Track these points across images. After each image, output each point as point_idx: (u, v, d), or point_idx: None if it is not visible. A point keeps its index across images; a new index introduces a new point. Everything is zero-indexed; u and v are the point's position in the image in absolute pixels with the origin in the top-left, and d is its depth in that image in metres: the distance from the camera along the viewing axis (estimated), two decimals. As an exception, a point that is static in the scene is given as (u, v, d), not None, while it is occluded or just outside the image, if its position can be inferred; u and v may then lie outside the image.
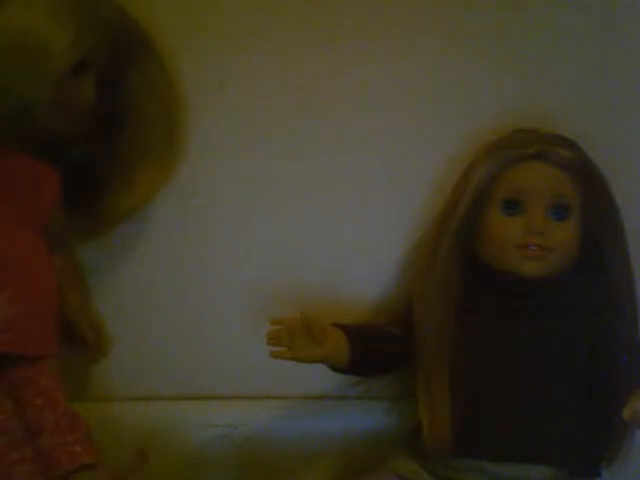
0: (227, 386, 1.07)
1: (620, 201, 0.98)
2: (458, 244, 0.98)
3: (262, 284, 1.06)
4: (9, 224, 0.91)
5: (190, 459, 1.05)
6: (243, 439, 1.06)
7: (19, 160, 0.92)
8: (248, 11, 1.04)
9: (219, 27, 1.04)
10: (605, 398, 0.92)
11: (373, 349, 0.98)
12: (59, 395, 0.88)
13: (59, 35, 0.88)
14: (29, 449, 0.86)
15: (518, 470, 0.92)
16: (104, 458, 0.87)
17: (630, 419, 0.81)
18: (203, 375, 1.07)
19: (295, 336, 0.91)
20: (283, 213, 1.07)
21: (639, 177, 1.06)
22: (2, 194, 0.92)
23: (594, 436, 0.94)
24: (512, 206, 0.96)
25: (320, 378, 1.03)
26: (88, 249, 1.03)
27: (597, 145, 0.99)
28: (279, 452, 1.06)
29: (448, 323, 0.96)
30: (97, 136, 0.97)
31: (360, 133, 1.06)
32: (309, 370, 0.95)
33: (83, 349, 1.01)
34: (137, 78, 0.98)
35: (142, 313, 1.06)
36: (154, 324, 1.06)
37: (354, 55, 1.05)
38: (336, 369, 0.97)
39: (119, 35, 0.95)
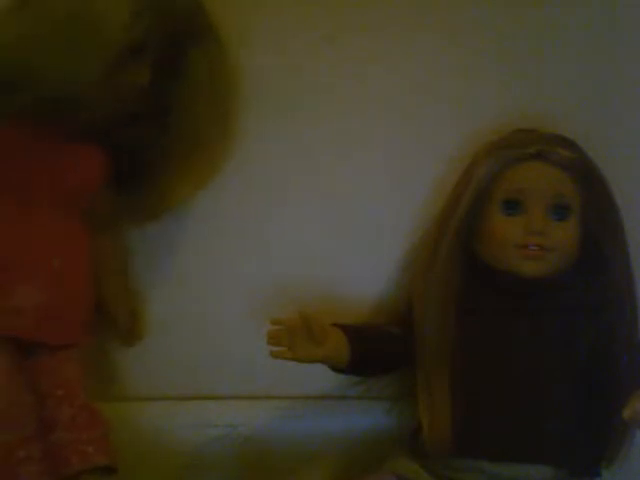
0: (227, 386, 1.07)
1: (620, 201, 0.98)
2: (458, 244, 0.98)
3: (262, 284, 1.06)
4: (43, 208, 0.90)
5: (190, 459, 1.05)
6: (243, 439, 1.06)
7: (59, 142, 0.91)
8: (248, 11, 1.04)
9: (219, 27, 1.04)
10: (605, 398, 0.92)
11: (373, 349, 0.98)
12: (80, 388, 0.88)
13: (120, 12, 0.85)
14: (38, 447, 0.85)
15: (518, 470, 0.92)
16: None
17: (630, 419, 0.81)
18: (203, 375, 1.07)
19: (295, 336, 0.91)
20: (283, 213, 1.07)
21: (639, 177, 1.06)
22: (36, 177, 0.91)
23: (594, 436, 0.94)
24: (512, 206, 0.96)
25: (320, 378, 1.03)
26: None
27: (597, 145, 0.99)
28: (279, 452, 1.06)
29: (448, 323, 0.96)
30: (155, 121, 0.95)
31: (360, 133, 1.06)
32: (309, 370, 0.95)
33: (117, 333, 1.01)
34: (197, 61, 0.95)
35: (142, 313, 1.06)
36: (154, 324, 1.06)
37: (354, 55, 1.05)
38: (336, 369, 0.97)
39: (181, 20, 0.92)
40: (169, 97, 0.95)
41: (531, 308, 0.95)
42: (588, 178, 0.96)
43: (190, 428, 1.05)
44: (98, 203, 0.95)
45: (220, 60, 0.98)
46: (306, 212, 1.07)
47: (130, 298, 1.02)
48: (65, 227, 0.93)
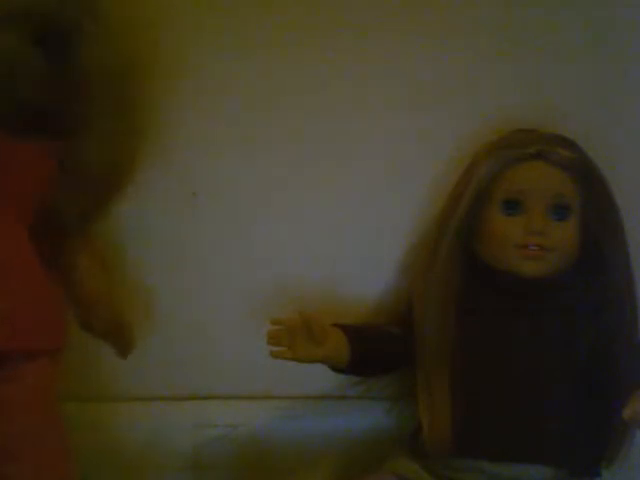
0: (227, 386, 1.07)
1: (620, 201, 0.98)
2: (458, 244, 0.98)
3: (262, 284, 1.06)
4: None
5: (190, 459, 1.05)
6: (243, 439, 1.06)
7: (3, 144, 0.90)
8: (248, 12, 1.04)
9: (219, 28, 1.04)
10: (605, 398, 0.92)
11: (373, 349, 0.98)
12: (35, 402, 0.86)
13: None
14: None
15: (518, 470, 0.92)
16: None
17: (630, 419, 0.81)
18: (203, 375, 1.07)
19: (295, 336, 0.91)
20: (283, 213, 1.07)
21: (639, 177, 1.06)
22: None
23: (594, 436, 0.94)
24: (512, 206, 0.96)
25: (320, 378, 1.03)
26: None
27: (597, 145, 0.99)
28: (279, 452, 1.06)
29: (448, 323, 0.96)
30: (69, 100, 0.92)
31: (360, 133, 1.06)
32: (309, 370, 0.95)
33: (108, 342, 0.99)
34: (79, 52, 0.90)
35: (142, 313, 1.06)
36: (154, 324, 1.06)
37: (354, 55, 1.05)
38: (336, 369, 0.97)
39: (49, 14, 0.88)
40: (65, 91, 0.92)
41: (531, 308, 0.95)
42: (588, 178, 0.96)
43: (190, 428, 1.05)
44: (51, 202, 0.93)
45: (106, 50, 0.95)
46: (306, 212, 1.07)
47: (113, 303, 1.00)
48: (10, 228, 0.91)
